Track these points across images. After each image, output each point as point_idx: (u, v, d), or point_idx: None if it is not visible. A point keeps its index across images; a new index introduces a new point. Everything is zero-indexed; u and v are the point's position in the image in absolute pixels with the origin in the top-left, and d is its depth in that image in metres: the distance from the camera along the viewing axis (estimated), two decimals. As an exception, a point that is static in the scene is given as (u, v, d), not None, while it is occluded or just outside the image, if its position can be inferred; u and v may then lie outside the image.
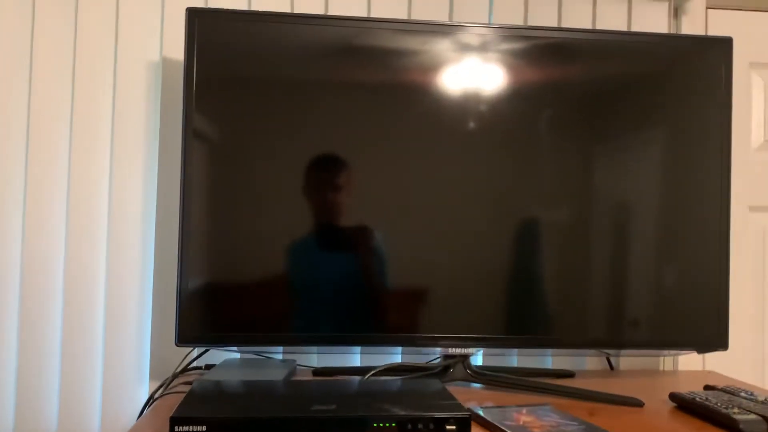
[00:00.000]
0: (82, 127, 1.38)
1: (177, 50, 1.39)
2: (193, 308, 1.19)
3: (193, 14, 1.20)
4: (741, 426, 0.96)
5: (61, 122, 1.38)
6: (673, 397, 1.14)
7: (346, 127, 1.23)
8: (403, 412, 0.88)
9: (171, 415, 0.84)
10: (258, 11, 1.22)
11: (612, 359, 1.49)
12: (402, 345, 1.30)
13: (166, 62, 1.39)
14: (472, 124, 1.24)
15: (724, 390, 1.16)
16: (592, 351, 1.42)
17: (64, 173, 1.38)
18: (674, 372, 1.50)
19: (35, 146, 1.36)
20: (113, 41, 1.39)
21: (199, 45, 1.20)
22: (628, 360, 1.50)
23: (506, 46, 1.26)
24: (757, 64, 1.59)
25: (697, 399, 1.08)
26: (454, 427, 0.87)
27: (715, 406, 1.04)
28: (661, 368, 1.52)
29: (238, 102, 1.21)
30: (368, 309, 1.24)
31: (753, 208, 1.58)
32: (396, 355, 1.42)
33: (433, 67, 1.24)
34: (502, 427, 0.94)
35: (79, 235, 1.37)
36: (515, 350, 1.44)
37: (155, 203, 1.38)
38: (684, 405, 1.11)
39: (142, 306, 1.38)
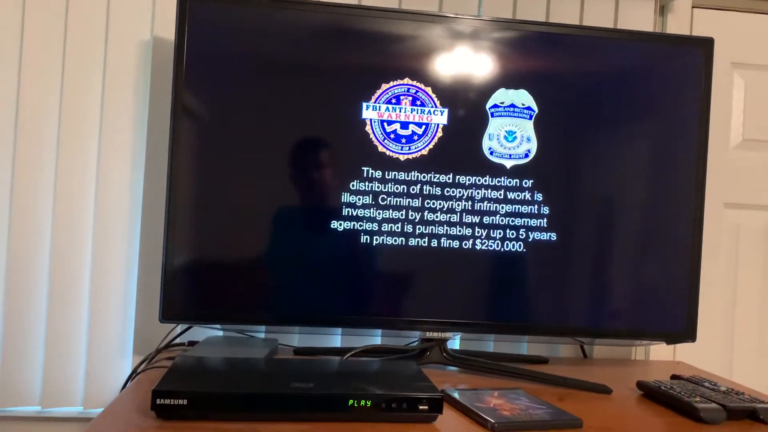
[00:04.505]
0: (71, 103, 1.39)
1: (168, 30, 1.39)
2: (178, 285, 1.22)
3: (185, -5, 1.21)
4: (701, 414, 1.01)
5: (51, 99, 1.38)
6: (639, 385, 1.18)
7: (331, 109, 1.25)
8: (378, 392, 0.91)
9: (153, 388, 0.87)
10: (250, -5, 1.23)
11: (586, 348, 1.53)
12: (382, 328, 1.33)
13: (157, 42, 1.40)
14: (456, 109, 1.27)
15: (689, 380, 1.20)
16: (567, 339, 1.46)
17: (53, 149, 1.39)
18: (645, 362, 1.55)
19: (24, 121, 1.37)
20: (104, 19, 1.39)
21: (191, 25, 1.21)
22: (601, 349, 1.55)
23: (492, 35, 1.28)
24: (739, 64, 1.63)
25: (662, 388, 1.12)
26: (426, 408, 0.91)
27: (679, 394, 1.08)
28: (633, 357, 1.57)
29: (228, 83, 1.23)
30: (349, 292, 1.27)
31: (728, 205, 1.62)
32: (376, 337, 1.45)
33: (420, 52, 1.26)
34: (473, 409, 0.97)
35: (67, 210, 1.38)
36: (492, 335, 1.48)
37: (143, 181, 1.40)
38: (650, 393, 1.15)
39: (127, 282, 1.40)
